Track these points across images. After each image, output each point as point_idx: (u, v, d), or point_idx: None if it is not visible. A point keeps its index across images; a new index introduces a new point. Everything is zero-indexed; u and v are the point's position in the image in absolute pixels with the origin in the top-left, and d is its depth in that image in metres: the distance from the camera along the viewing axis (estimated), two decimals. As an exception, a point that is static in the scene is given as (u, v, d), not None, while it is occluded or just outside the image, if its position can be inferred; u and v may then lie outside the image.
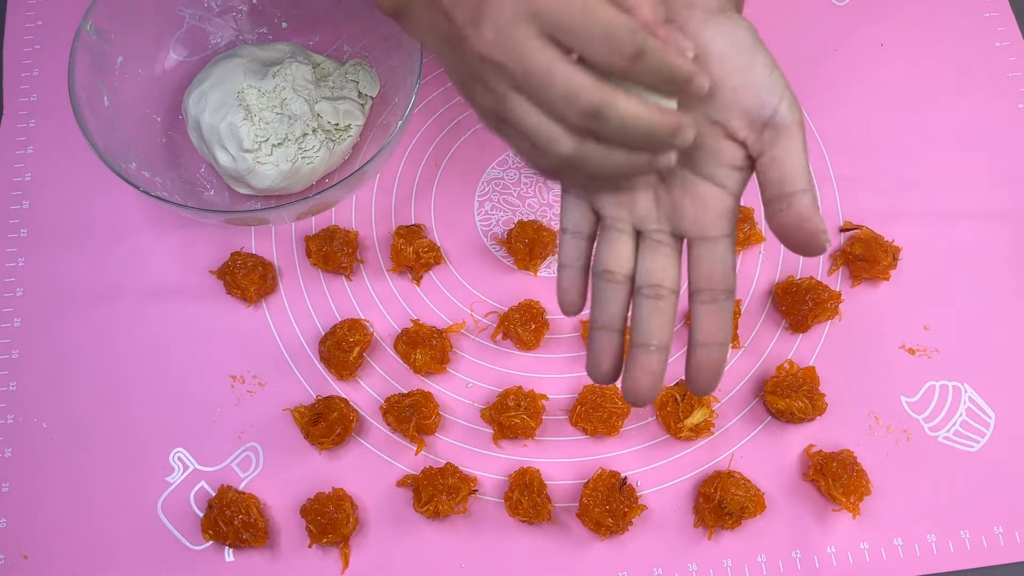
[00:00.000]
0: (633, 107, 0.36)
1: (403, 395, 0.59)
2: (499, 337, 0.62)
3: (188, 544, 0.57)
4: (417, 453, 0.59)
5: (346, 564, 0.56)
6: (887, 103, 0.69)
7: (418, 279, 0.63)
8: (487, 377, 0.61)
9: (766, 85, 0.38)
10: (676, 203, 0.41)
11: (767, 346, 0.62)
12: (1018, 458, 0.59)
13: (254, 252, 0.64)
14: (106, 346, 0.62)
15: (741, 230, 0.63)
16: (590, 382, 0.60)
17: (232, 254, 0.63)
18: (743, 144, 0.39)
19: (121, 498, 0.58)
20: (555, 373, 0.61)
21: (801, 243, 0.38)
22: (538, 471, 0.57)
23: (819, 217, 0.38)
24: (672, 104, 0.39)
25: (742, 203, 0.65)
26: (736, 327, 0.61)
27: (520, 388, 0.59)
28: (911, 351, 0.62)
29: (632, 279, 0.41)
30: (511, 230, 0.63)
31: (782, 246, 0.64)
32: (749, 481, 0.57)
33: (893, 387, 0.61)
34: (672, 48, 0.37)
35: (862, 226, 0.64)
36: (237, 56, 0.64)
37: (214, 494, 0.57)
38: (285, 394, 0.61)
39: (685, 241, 0.41)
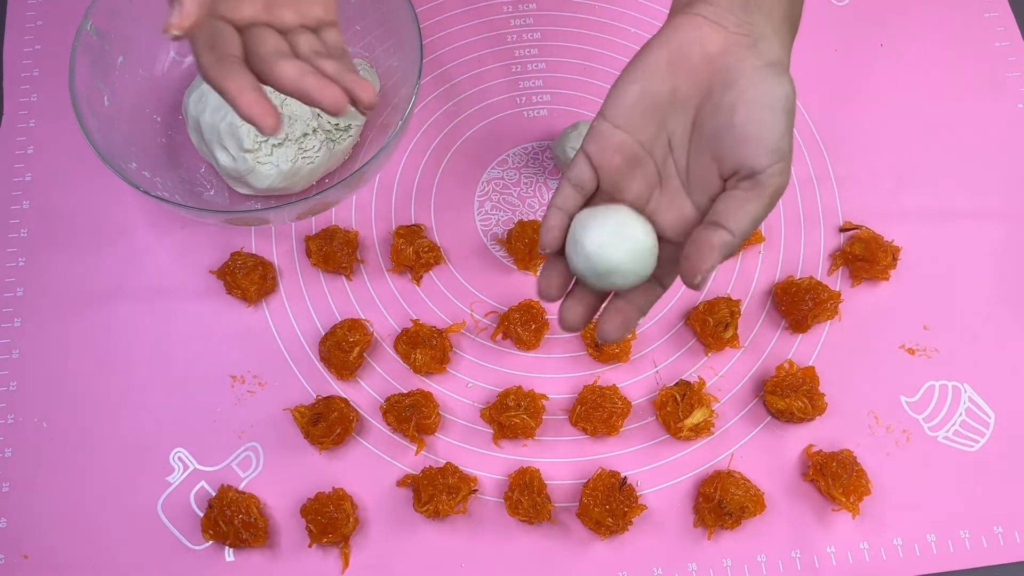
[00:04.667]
0: None
1: (403, 395, 0.59)
2: (499, 337, 0.62)
3: (188, 544, 0.57)
4: (417, 453, 0.59)
5: (346, 564, 0.56)
6: (887, 103, 0.69)
7: (418, 279, 0.64)
8: (487, 377, 0.61)
9: (772, 147, 0.40)
10: (658, 207, 0.44)
11: (767, 346, 0.62)
12: (1018, 458, 0.59)
13: (254, 252, 0.64)
14: (106, 346, 0.62)
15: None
16: (590, 382, 0.60)
17: (232, 254, 0.63)
18: (724, 182, 0.42)
19: (121, 498, 0.58)
20: (555, 373, 0.61)
21: (685, 261, 0.40)
22: (538, 471, 0.57)
23: (712, 260, 0.39)
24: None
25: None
26: (736, 327, 0.61)
27: (520, 388, 0.59)
28: (911, 351, 0.62)
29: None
30: (511, 230, 0.63)
31: (782, 247, 0.65)
32: (749, 481, 0.57)
33: (893, 387, 0.61)
34: None
35: (862, 226, 0.64)
36: (237, 56, 0.64)
37: (214, 494, 0.57)
38: (285, 394, 0.61)
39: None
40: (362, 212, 0.66)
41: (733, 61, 0.41)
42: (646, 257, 0.42)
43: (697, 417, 0.58)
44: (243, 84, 0.45)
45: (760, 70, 0.41)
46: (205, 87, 0.62)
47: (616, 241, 0.41)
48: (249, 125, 0.60)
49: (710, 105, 0.42)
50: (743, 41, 0.42)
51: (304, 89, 0.45)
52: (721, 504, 0.55)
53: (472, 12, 0.72)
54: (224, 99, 0.45)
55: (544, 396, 0.59)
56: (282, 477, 0.59)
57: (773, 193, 0.41)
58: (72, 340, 0.62)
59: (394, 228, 0.64)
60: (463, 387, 0.61)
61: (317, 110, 0.62)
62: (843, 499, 0.56)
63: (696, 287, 0.40)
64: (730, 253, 0.40)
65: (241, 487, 0.58)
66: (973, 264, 0.64)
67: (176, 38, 0.42)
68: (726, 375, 0.61)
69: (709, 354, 0.61)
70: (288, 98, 0.62)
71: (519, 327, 0.60)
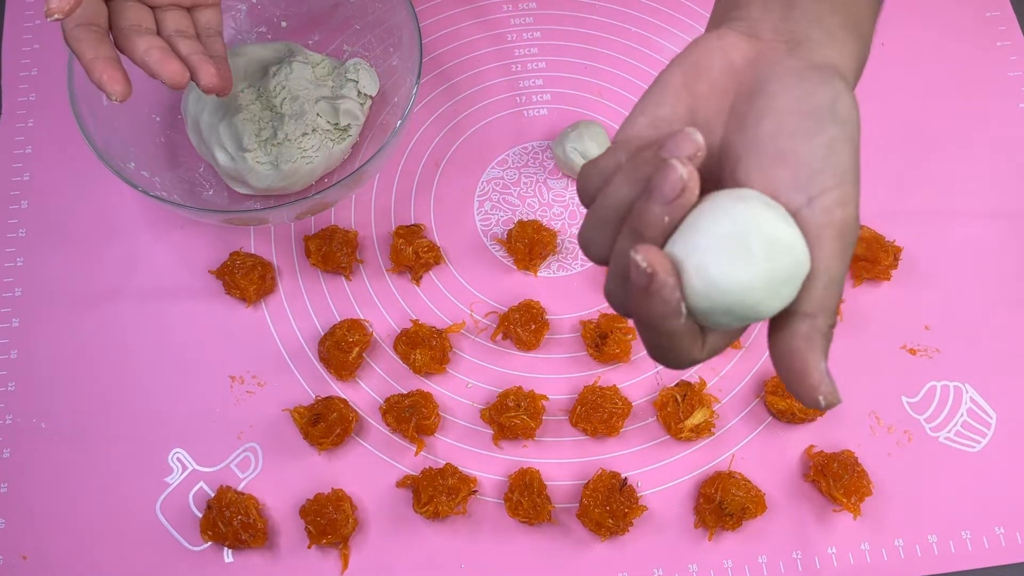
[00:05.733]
0: None
1: (403, 395, 0.59)
2: (499, 337, 0.62)
3: (187, 545, 0.57)
4: (417, 453, 0.59)
5: (345, 565, 0.56)
6: (887, 103, 0.69)
7: (418, 279, 0.63)
8: (487, 377, 0.61)
9: (816, 166, 0.30)
10: None
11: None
12: (1019, 458, 0.59)
13: (253, 252, 0.64)
14: (105, 346, 0.61)
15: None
16: (590, 382, 0.60)
17: (231, 254, 0.62)
18: None
19: (120, 499, 0.58)
20: (555, 373, 0.61)
21: (790, 383, 0.31)
22: (538, 472, 0.57)
23: (817, 358, 0.30)
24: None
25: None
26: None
27: (520, 388, 0.59)
28: (912, 351, 0.62)
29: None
30: (511, 230, 0.63)
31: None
32: (750, 482, 0.56)
33: (894, 387, 0.61)
34: None
35: (863, 226, 0.64)
36: (236, 56, 0.64)
37: (213, 495, 0.57)
38: (284, 394, 0.60)
39: None
40: (362, 212, 0.65)
41: (763, 67, 0.32)
42: (796, 272, 0.29)
43: (698, 418, 0.58)
44: (98, 53, 0.47)
45: (799, 72, 0.32)
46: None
47: (745, 250, 0.28)
48: (248, 124, 0.61)
49: (734, 124, 0.32)
50: (779, 47, 0.33)
51: (147, 62, 0.48)
52: (722, 505, 0.55)
53: (472, 11, 0.72)
54: (81, 65, 0.47)
55: (544, 396, 0.59)
56: (281, 478, 0.58)
57: (836, 239, 0.30)
58: (71, 340, 0.62)
59: (394, 228, 0.64)
60: (463, 387, 0.61)
61: (317, 111, 0.62)
62: (844, 500, 0.56)
63: None
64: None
65: (240, 488, 0.58)
66: (975, 264, 0.64)
67: (58, 20, 0.43)
68: (727, 375, 0.61)
69: (710, 354, 0.61)
70: (286, 98, 0.62)
71: (519, 327, 0.60)
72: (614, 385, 0.59)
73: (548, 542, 0.57)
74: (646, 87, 0.36)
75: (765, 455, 0.59)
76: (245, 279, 0.61)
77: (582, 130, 0.63)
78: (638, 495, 0.56)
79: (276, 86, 0.62)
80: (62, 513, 0.58)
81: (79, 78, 0.58)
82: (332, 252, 0.62)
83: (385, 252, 0.64)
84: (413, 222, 0.65)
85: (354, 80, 0.65)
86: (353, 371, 0.60)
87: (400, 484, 0.58)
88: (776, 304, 0.30)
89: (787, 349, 0.30)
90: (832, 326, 0.31)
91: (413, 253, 0.62)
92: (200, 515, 0.57)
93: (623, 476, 0.56)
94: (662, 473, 0.58)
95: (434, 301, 0.63)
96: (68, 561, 0.57)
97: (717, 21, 0.36)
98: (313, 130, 0.62)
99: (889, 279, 0.63)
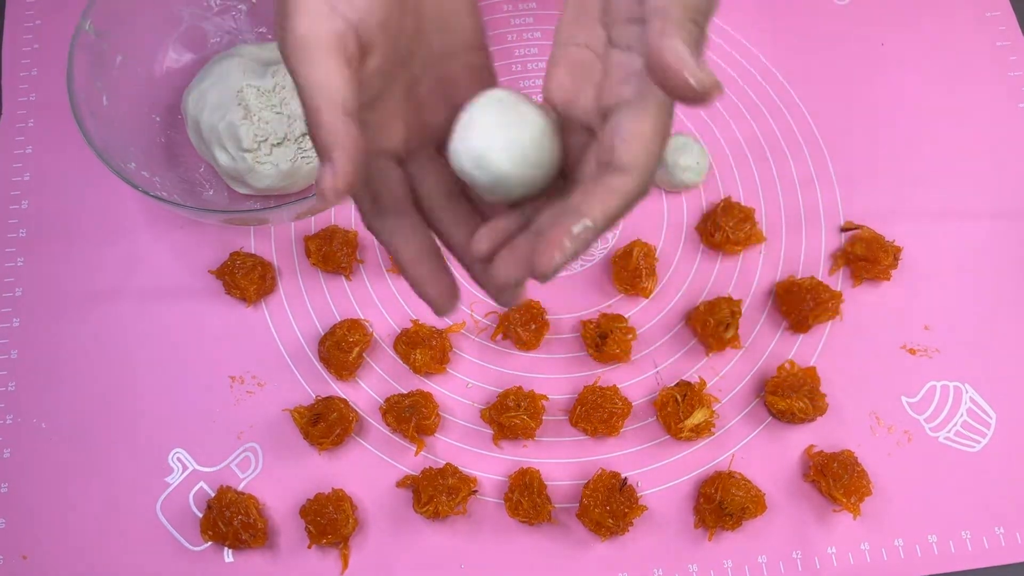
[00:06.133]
0: None
1: (403, 395, 0.59)
2: (499, 337, 0.62)
3: (187, 545, 0.57)
4: (417, 453, 0.59)
5: (345, 565, 0.56)
6: (888, 102, 0.69)
7: (418, 279, 0.63)
8: (487, 377, 0.61)
9: None
10: (610, 89, 0.35)
11: (768, 346, 0.62)
12: (1019, 458, 0.59)
13: (253, 252, 0.64)
14: (105, 346, 0.61)
15: (742, 230, 0.63)
16: (590, 382, 0.60)
17: (231, 254, 0.62)
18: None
19: (120, 499, 0.58)
20: (555, 373, 0.61)
21: (665, 84, 0.29)
22: (538, 471, 0.57)
23: (674, 42, 0.29)
24: None
25: (741, 202, 0.65)
26: (737, 327, 0.60)
27: (520, 388, 0.59)
28: (912, 351, 0.62)
29: None
30: (511, 230, 0.63)
31: (783, 246, 0.64)
32: (750, 482, 0.56)
33: (894, 387, 0.61)
34: None
35: (863, 226, 0.64)
36: (236, 55, 0.64)
37: (213, 495, 0.57)
38: (284, 394, 0.60)
39: None
40: (362, 212, 0.65)
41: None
42: (531, 150, 0.34)
43: (698, 418, 0.58)
44: (419, 247, 0.37)
45: None
46: (204, 86, 0.62)
47: (485, 131, 0.34)
48: (248, 124, 0.61)
49: None
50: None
51: (495, 289, 0.37)
52: (722, 505, 0.55)
53: (472, 11, 0.72)
54: (395, 263, 0.38)
55: (544, 396, 0.59)
56: (281, 478, 0.58)
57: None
58: (71, 340, 0.62)
59: (394, 228, 0.64)
60: (463, 387, 0.61)
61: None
62: (844, 500, 0.56)
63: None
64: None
65: (240, 488, 0.58)
66: (974, 264, 0.64)
67: (334, 204, 0.35)
68: (727, 375, 0.61)
69: (710, 354, 0.61)
70: (286, 98, 0.62)
71: (519, 327, 0.60)
72: (614, 385, 0.59)
73: (548, 542, 0.57)
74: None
75: (765, 455, 0.59)
76: (245, 279, 0.61)
77: (582, 130, 0.63)
78: (638, 495, 0.57)
79: (276, 86, 0.62)
80: (62, 513, 0.58)
81: (79, 78, 0.58)
82: (332, 252, 0.62)
83: (385, 252, 0.64)
84: (413, 222, 0.65)
85: (354, 80, 0.65)
86: (353, 371, 0.60)
87: (400, 484, 0.58)
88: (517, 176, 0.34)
89: (651, 53, 0.29)
90: (697, 23, 0.29)
91: (413, 253, 0.62)
92: (200, 515, 0.57)
93: (623, 476, 0.56)
94: (662, 473, 0.58)
95: (434, 301, 0.63)
96: (68, 561, 0.57)
97: None
98: (313, 130, 0.62)
99: (889, 279, 0.63)
